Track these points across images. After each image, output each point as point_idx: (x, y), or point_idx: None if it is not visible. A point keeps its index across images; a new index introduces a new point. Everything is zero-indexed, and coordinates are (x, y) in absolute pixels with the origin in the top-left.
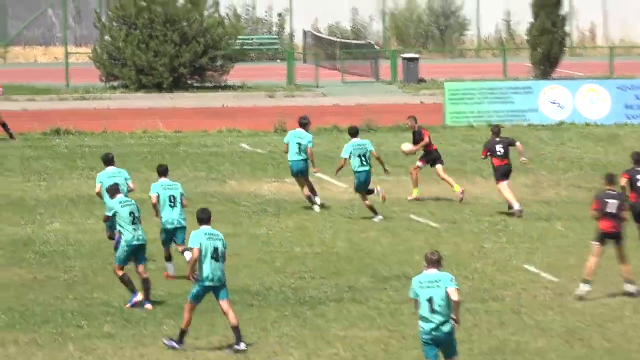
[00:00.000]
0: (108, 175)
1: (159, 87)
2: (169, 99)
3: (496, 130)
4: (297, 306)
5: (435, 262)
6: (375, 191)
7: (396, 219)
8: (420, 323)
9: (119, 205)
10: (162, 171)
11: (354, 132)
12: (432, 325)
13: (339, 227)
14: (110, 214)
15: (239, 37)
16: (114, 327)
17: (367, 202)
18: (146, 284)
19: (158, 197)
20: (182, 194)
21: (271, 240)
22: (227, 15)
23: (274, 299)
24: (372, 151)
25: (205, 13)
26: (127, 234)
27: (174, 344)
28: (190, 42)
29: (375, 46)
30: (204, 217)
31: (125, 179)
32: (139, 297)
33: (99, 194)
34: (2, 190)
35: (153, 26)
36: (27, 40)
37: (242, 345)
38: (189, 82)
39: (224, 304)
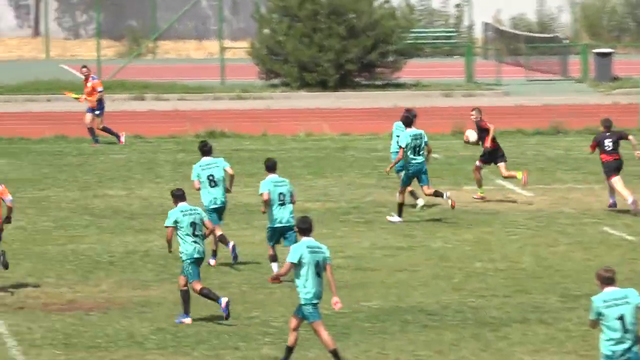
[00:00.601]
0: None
1: (323, 85)
2: (334, 98)
3: (607, 124)
4: (477, 327)
5: (612, 279)
6: (445, 196)
7: (588, 232)
8: (609, 346)
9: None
10: (271, 166)
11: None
12: (626, 346)
13: (524, 240)
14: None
15: (412, 30)
16: (273, 348)
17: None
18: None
19: (270, 194)
20: (291, 192)
21: (448, 254)
22: (400, 6)
23: (451, 319)
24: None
25: (375, 4)
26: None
27: None
28: (359, 36)
29: (564, 40)
30: (305, 228)
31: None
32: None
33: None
34: (153, 199)
35: (317, 18)
36: (179, 34)
37: None
38: (357, 79)
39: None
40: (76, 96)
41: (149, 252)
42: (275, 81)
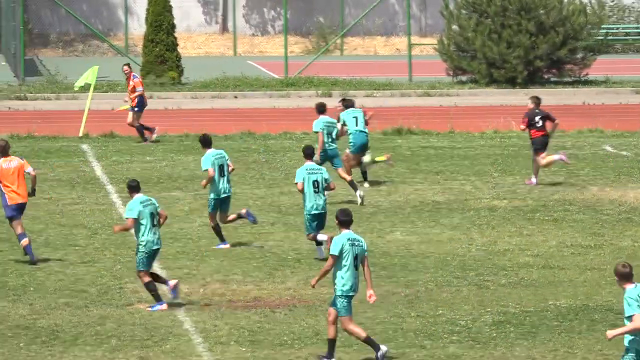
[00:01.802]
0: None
1: (512, 82)
2: (522, 95)
3: (537, 101)
4: None
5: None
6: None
7: None
8: None
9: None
10: (309, 154)
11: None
12: None
13: None
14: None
15: (602, 26)
16: (460, 347)
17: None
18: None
19: (304, 183)
20: (326, 180)
21: (637, 253)
22: (590, 2)
23: None
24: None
25: (565, 0)
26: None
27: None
28: (548, 32)
29: None
30: (345, 220)
31: None
32: (164, 306)
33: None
34: (341, 196)
35: (506, 14)
36: (367, 31)
37: None
38: (546, 76)
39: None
40: (125, 107)
41: None
42: (463, 78)
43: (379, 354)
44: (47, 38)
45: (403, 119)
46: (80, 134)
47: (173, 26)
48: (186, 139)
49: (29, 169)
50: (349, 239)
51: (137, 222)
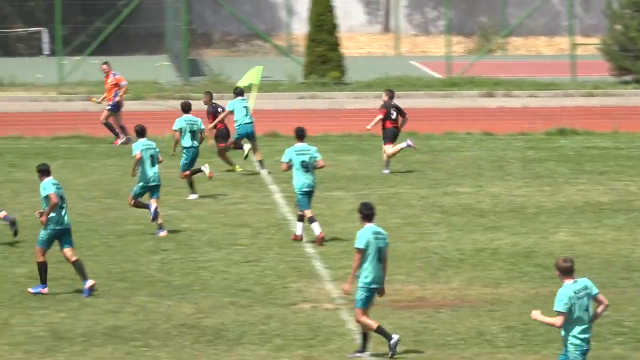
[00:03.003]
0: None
1: None
2: None
3: (391, 94)
4: None
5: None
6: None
7: None
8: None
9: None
10: (300, 135)
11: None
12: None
13: None
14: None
15: None
16: (625, 348)
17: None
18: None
19: (290, 164)
20: (315, 158)
21: None
22: None
23: None
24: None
25: None
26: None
27: (358, 354)
28: None
29: None
30: (369, 214)
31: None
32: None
33: None
34: (503, 197)
35: None
36: (529, 30)
37: (365, 355)
38: None
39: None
40: (97, 101)
41: (499, 249)
42: (627, 78)
43: (392, 342)
44: (210, 38)
45: (566, 119)
46: None
47: (335, 26)
48: (348, 138)
49: None
50: (373, 232)
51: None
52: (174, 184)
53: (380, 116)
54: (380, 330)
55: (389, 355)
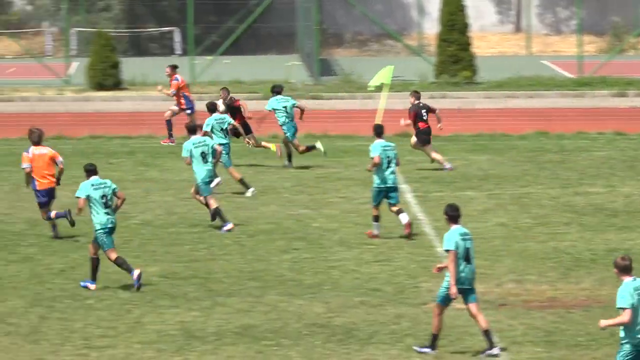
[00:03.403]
0: None
1: None
2: None
3: (418, 95)
4: None
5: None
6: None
7: None
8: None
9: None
10: (379, 133)
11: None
12: None
13: None
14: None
15: None
16: None
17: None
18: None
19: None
20: (396, 155)
21: None
22: None
23: None
24: None
25: None
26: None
27: (427, 349)
28: None
29: None
30: (455, 215)
31: None
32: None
33: None
34: (635, 197)
35: None
36: None
37: (495, 350)
38: None
39: (472, 307)
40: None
41: (631, 250)
42: None
43: (434, 352)
44: (341, 38)
45: None
46: None
47: (466, 26)
48: (480, 138)
49: (60, 159)
50: (460, 234)
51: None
52: (305, 183)
53: (409, 121)
54: (436, 337)
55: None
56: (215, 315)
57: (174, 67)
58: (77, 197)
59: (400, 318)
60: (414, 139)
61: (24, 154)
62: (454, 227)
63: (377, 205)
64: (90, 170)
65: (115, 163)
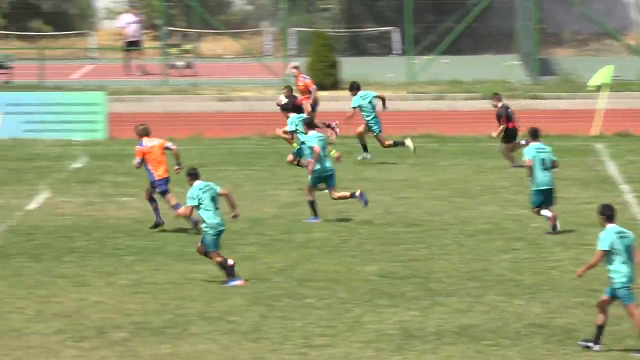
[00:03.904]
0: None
1: None
2: None
3: (499, 97)
4: None
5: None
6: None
7: None
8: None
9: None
10: (535, 134)
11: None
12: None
13: None
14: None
15: None
16: None
17: None
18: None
19: (533, 160)
20: (551, 157)
21: None
22: None
23: None
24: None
25: None
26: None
27: (590, 344)
28: None
29: None
30: (610, 214)
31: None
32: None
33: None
34: None
35: None
36: None
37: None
38: None
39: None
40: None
41: None
42: None
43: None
44: (560, 37)
45: None
46: (595, 133)
47: None
48: None
49: (169, 144)
50: (616, 233)
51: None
52: (523, 183)
53: (505, 125)
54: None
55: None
56: (435, 315)
57: (298, 67)
58: (189, 205)
59: (619, 319)
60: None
61: (138, 147)
62: (609, 226)
63: (537, 206)
64: (193, 174)
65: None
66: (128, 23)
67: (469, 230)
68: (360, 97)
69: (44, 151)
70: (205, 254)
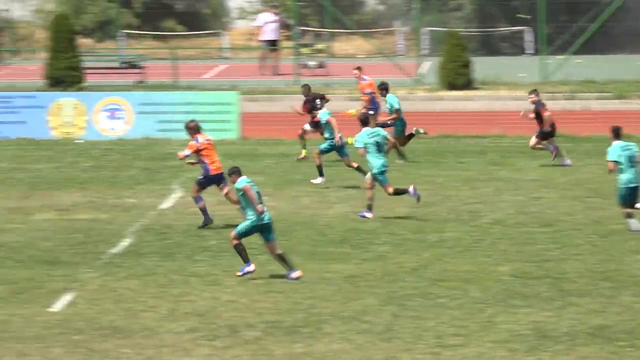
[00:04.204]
0: None
1: None
2: None
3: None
4: None
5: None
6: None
7: None
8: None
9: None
10: (617, 133)
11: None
12: None
13: None
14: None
15: None
16: None
17: None
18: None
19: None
20: (635, 154)
21: None
22: None
23: None
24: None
25: None
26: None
27: None
28: None
29: None
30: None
31: None
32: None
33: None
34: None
35: None
36: None
37: None
38: None
39: None
40: (352, 112)
41: None
42: None
43: None
44: None
45: None
46: None
47: None
48: None
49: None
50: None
51: None
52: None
53: (532, 115)
54: None
55: None
56: (568, 315)
57: (360, 68)
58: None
59: None
60: (533, 140)
61: (192, 142)
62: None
63: (624, 203)
64: (235, 172)
65: (465, 162)
66: (266, 22)
67: (603, 230)
68: (394, 97)
69: (177, 150)
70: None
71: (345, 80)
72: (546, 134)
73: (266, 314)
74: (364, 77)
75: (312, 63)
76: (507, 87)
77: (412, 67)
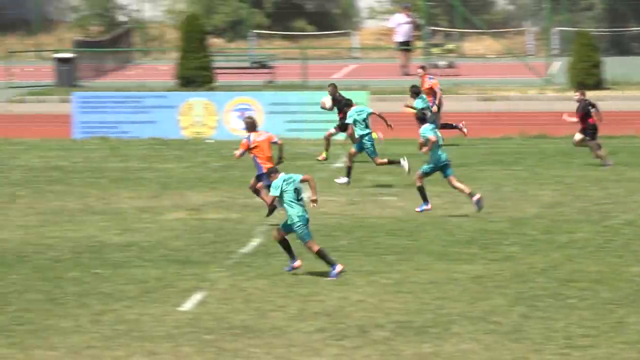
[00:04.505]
0: None
1: None
2: None
3: (583, 92)
4: None
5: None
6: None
7: None
8: None
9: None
10: None
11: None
12: None
13: None
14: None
15: None
16: None
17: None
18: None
19: None
20: None
21: None
22: None
23: None
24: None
25: None
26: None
27: None
28: None
29: None
30: None
31: None
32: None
33: None
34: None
35: None
36: None
37: None
38: None
39: None
40: (409, 110)
41: None
42: None
43: None
44: None
45: None
46: None
47: None
48: None
49: (275, 139)
50: None
51: None
52: None
53: (575, 118)
54: None
55: None
56: None
57: (424, 67)
58: (274, 195)
59: None
60: (578, 136)
61: (244, 140)
62: None
63: None
64: (274, 171)
65: (595, 163)
66: (399, 24)
67: None
68: (423, 99)
69: (306, 150)
70: (304, 245)
71: (476, 80)
72: None
73: (395, 314)
74: (430, 76)
75: (442, 63)
76: (638, 87)
77: (542, 67)
